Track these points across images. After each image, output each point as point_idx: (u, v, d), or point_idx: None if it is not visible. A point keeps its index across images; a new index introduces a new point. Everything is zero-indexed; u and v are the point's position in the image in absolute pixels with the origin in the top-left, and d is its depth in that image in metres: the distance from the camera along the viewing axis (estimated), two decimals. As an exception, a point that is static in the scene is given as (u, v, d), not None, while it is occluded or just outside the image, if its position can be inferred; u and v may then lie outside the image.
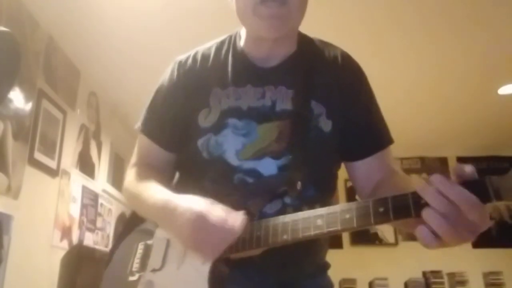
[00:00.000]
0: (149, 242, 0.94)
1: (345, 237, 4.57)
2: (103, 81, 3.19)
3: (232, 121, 0.92)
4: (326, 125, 0.91)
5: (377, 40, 2.74)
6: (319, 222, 0.70)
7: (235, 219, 0.77)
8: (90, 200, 3.12)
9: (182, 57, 1.04)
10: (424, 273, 4.31)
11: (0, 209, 2.02)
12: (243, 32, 1.01)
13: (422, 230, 0.61)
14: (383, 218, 0.64)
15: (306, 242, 0.75)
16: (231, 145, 0.90)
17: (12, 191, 2.12)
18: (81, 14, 2.43)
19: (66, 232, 2.69)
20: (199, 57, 1.01)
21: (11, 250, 2.07)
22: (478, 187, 0.59)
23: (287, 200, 0.87)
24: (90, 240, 3.07)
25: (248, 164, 0.89)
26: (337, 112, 0.93)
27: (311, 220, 0.72)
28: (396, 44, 2.81)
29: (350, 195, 4.73)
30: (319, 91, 0.93)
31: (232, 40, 1.02)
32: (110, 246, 3.44)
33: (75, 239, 2.82)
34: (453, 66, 3.09)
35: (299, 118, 0.90)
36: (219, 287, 0.79)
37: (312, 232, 0.71)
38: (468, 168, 0.60)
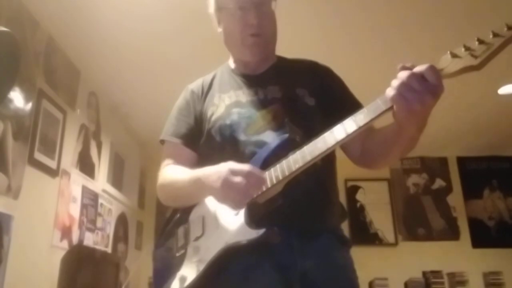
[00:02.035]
0: (186, 224, 1.13)
1: (345, 237, 4.57)
2: (103, 81, 3.19)
3: (236, 110, 1.19)
4: (310, 101, 1.19)
5: (370, 42, 2.74)
6: (319, 144, 0.95)
7: (259, 171, 0.98)
8: (90, 200, 3.12)
9: (191, 85, 1.34)
10: (424, 273, 4.29)
11: (0, 209, 2.02)
12: (231, 61, 1.34)
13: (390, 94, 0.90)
14: (365, 120, 0.90)
15: (320, 198, 1.07)
16: (238, 125, 1.15)
17: (12, 191, 2.12)
18: (81, 14, 2.43)
19: (66, 232, 2.69)
20: (202, 81, 1.33)
21: (11, 250, 2.07)
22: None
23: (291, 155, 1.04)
24: (90, 240, 3.07)
25: (254, 138, 1.12)
26: (318, 92, 1.20)
27: (312, 146, 0.95)
28: (395, 45, 2.81)
29: (350, 195, 4.74)
30: (300, 81, 1.22)
31: (225, 66, 1.35)
32: (110, 245, 3.44)
33: (75, 239, 2.81)
34: (453, 66, 3.09)
35: (288, 100, 1.18)
36: (256, 223, 0.97)
37: (317, 152, 0.94)
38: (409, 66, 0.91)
